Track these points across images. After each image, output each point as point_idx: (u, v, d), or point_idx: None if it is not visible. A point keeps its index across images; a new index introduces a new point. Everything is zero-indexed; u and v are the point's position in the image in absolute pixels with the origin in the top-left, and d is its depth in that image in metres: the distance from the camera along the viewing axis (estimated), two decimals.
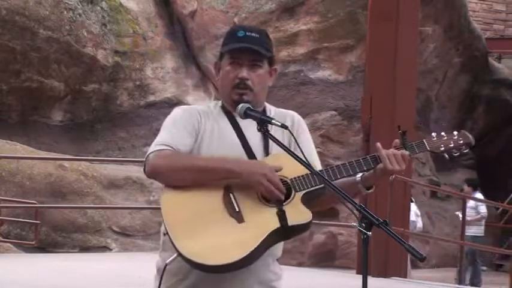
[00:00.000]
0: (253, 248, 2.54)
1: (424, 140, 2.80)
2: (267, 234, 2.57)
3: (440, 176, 17.52)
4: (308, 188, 2.66)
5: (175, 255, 2.59)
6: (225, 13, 16.08)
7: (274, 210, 2.62)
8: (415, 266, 13.39)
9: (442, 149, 2.80)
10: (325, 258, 14.65)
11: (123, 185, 14.02)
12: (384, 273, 9.97)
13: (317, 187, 2.67)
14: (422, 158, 16.58)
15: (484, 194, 17.96)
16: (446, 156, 2.82)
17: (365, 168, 2.74)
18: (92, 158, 14.38)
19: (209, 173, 2.63)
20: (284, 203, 2.63)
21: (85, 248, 13.26)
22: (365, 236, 2.45)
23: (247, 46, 2.75)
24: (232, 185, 2.64)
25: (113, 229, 13.72)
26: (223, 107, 2.83)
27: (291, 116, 2.86)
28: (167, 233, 2.59)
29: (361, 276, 2.55)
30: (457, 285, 10.96)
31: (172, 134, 2.73)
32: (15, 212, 12.79)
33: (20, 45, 14.20)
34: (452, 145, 2.81)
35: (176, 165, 2.63)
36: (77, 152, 14.52)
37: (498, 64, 19.85)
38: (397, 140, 2.76)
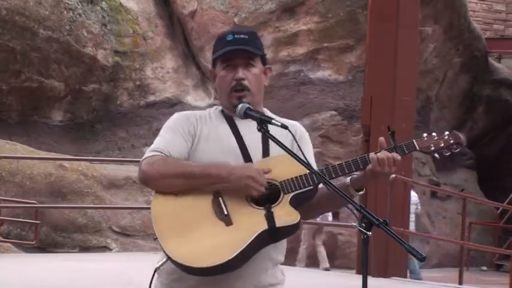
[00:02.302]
0: (240, 250, 2.55)
1: (414, 140, 2.80)
2: (254, 236, 2.57)
3: (440, 176, 17.52)
4: (297, 189, 2.66)
5: (164, 259, 2.61)
6: (225, 13, 16.08)
7: (263, 212, 2.63)
8: None
9: (432, 148, 2.80)
10: None
11: (123, 185, 14.03)
12: (384, 273, 9.97)
13: (306, 189, 2.68)
14: (422, 158, 16.58)
15: (484, 194, 18.03)
16: (437, 156, 2.83)
17: (354, 170, 2.73)
18: (92, 158, 14.38)
19: (197, 179, 2.64)
20: (273, 205, 2.64)
21: (85, 248, 13.26)
22: (365, 236, 2.45)
23: (238, 48, 2.77)
24: (221, 188, 2.65)
25: (113, 229, 13.72)
26: (222, 112, 2.84)
27: (293, 126, 2.85)
28: (157, 239, 2.61)
29: (361, 276, 2.55)
30: (457, 285, 10.95)
31: (165, 140, 2.75)
32: (15, 212, 12.79)
33: (20, 45, 14.21)
34: (442, 145, 2.81)
35: (165, 172, 2.65)
36: (77, 152, 14.53)
37: (498, 64, 19.86)
38: (381, 138, 2.76)
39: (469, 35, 18.13)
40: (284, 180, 2.67)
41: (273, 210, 2.63)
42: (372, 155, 2.71)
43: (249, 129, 2.75)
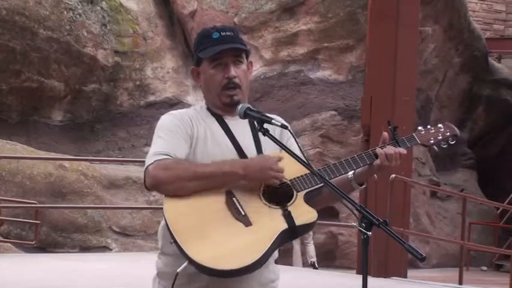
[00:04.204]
0: (264, 251, 2.55)
1: (414, 134, 2.85)
2: (276, 236, 2.57)
3: (440, 176, 17.52)
4: (309, 187, 2.67)
5: (186, 263, 2.56)
6: (225, 13, 16.08)
7: (279, 211, 2.63)
8: (415, 266, 13.39)
9: (432, 141, 2.86)
10: (325, 258, 14.65)
11: (123, 185, 14.03)
12: (384, 273, 9.98)
13: (317, 186, 2.68)
14: (422, 158, 16.58)
15: (484, 194, 18.02)
16: (436, 148, 2.89)
17: (361, 165, 2.75)
18: (92, 158, 14.38)
19: (213, 179, 2.61)
20: (288, 204, 2.64)
21: (85, 248, 13.26)
22: (365, 236, 2.45)
23: (232, 46, 2.75)
24: (233, 188, 2.63)
25: (113, 229, 13.72)
26: (209, 109, 2.81)
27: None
28: (175, 242, 2.55)
29: (361, 276, 2.55)
30: (457, 285, 10.95)
31: (167, 141, 2.69)
32: (15, 212, 12.80)
33: (20, 45, 14.21)
34: (440, 137, 2.87)
35: (178, 175, 2.60)
36: (77, 152, 14.53)
37: (498, 64, 19.84)
38: (385, 133, 2.78)
39: (469, 35, 18.12)
40: (294, 178, 2.67)
41: (289, 209, 2.63)
42: (379, 150, 2.73)
43: (239, 128, 2.75)
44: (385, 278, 9.93)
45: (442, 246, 16.44)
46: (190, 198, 2.61)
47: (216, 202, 2.62)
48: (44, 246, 12.91)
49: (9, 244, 12.47)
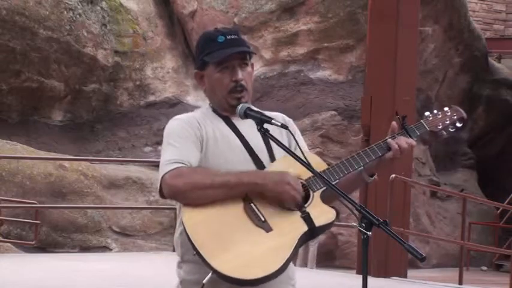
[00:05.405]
0: (288, 256, 2.54)
1: (422, 121, 2.85)
2: (297, 239, 2.56)
3: (440, 176, 17.52)
4: (325, 185, 2.65)
5: (210, 273, 2.53)
6: (225, 13, 16.08)
7: (298, 214, 2.61)
8: (415, 266, 13.40)
9: (440, 127, 2.85)
10: (325, 258, 14.65)
11: (123, 185, 14.03)
12: (384, 273, 9.98)
13: (333, 183, 2.66)
14: (422, 158, 16.58)
15: (484, 194, 18.03)
16: (444, 133, 2.86)
17: (373, 158, 2.76)
18: (92, 158, 14.39)
19: (232, 188, 2.59)
20: (305, 205, 2.62)
21: (85, 248, 13.27)
22: (365, 236, 2.45)
23: (240, 50, 2.74)
24: (250, 195, 2.61)
25: (113, 229, 13.73)
26: (215, 111, 2.79)
27: (281, 118, 2.82)
28: (198, 253, 2.52)
29: (361, 276, 2.55)
30: (457, 285, 10.95)
31: (179, 149, 2.66)
32: (15, 212, 12.80)
33: (20, 45, 14.21)
34: (448, 122, 2.86)
35: (196, 184, 2.58)
36: (77, 152, 14.53)
37: (498, 64, 19.84)
38: (394, 123, 2.78)
39: (469, 35, 18.12)
40: (310, 178, 2.66)
41: (308, 210, 2.61)
42: (391, 142, 2.75)
43: (247, 127, 2.73)
44: (385, 278, 9.93)
45: (442, 246, 16.44)
46: (209, 207, 2.59)
47: (234, 209, 2.59)
48: (44, 246, 12.91)
49: (9, 244, 12.47)
